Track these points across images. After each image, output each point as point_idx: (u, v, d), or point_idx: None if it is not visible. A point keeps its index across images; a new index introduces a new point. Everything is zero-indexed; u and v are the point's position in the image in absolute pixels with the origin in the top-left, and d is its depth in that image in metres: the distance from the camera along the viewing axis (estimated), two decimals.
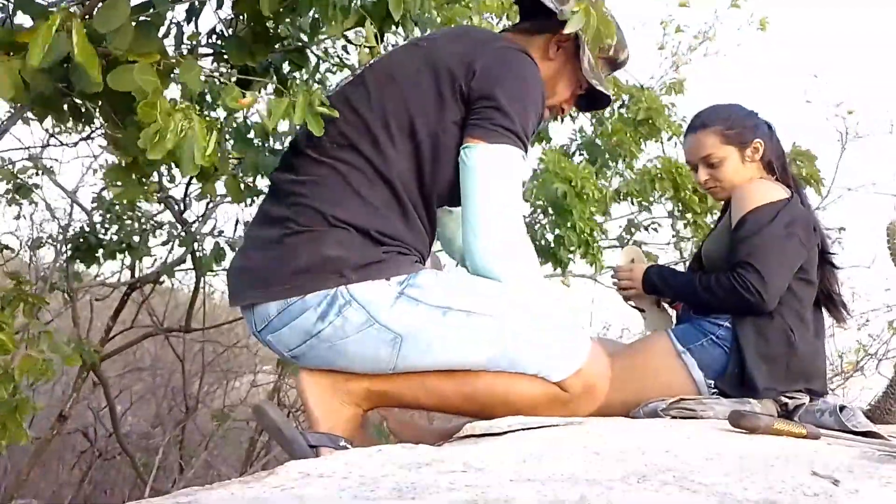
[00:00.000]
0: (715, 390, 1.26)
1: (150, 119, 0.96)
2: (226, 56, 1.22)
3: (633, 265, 1.44)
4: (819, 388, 1.27)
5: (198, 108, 1.06)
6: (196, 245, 2.44)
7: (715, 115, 1.41)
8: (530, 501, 0.50)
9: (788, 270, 1.29)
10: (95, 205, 2.48)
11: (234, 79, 1.15)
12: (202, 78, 1.08)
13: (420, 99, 0.97)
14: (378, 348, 0.92)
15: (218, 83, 1.21)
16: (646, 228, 2.88)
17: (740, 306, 1.26)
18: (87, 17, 1.01)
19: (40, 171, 2.46)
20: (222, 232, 2.56)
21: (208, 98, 1.59)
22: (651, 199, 2.65)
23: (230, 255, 2.41)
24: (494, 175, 0.95)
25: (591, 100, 1.15)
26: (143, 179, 1.37)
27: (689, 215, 2.65)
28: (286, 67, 1.35)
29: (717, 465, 0.64)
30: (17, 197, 2.47)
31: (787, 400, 1.18)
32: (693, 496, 0.54)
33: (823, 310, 1.40)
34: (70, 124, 1.97)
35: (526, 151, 0.98)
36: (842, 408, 1.09)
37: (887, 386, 1.52)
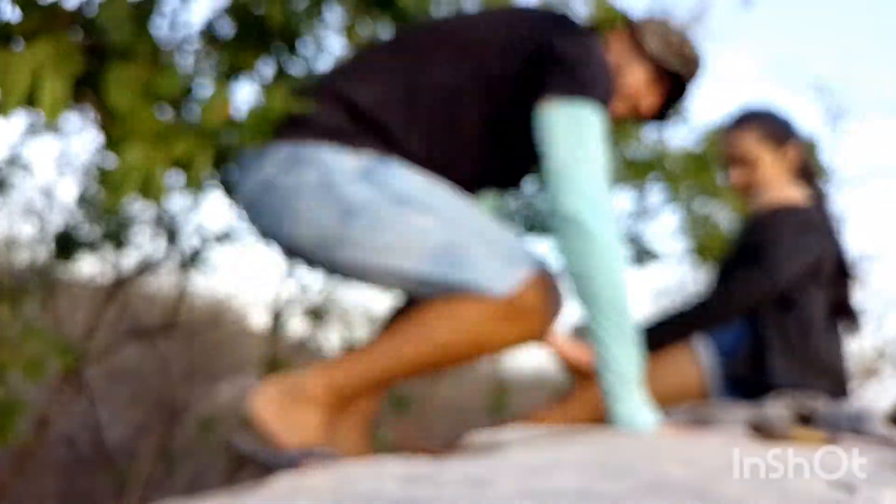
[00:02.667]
0: (723, 371, 1.25)
1: (127, 140, 0.93)
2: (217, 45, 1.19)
3: None
4: (838, 390, 1.27)
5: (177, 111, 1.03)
6: (180, 242, 2.41)
7: (754, 116, 1.43)
8: None
9: (799, 257, 1.30)
10: (79, 200, 2.43)
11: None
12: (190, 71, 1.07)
13: (488, 38, 1.00)
14: (325, 216, 0.92)
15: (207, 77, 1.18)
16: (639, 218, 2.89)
17: (750, 290, 1.27)
18: (80, 9, 0.98)
19: (13, 163, 2.41)
20: (203, 231, 2.52)
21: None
22: (641, 183, 2.65)
23: (215, 252, 2.39)
24: (570, 131, 0.95)
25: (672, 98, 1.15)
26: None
27: (678, 203, 2.67)
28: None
29: (731, 474, 0.62)
30: None
31: (803, 405, 1.17)
32: None
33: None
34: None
35: (604, 107, 0.98)
36: (859, 413, 1.08)
37: None
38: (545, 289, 0.93)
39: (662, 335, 1.29)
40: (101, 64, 0.98)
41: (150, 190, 0.92)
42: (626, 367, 0.95)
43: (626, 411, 0.94)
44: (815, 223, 1.32)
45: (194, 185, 0.96)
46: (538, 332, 0.94)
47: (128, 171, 0.91)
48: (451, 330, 0.90)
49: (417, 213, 0.91)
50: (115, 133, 0.94)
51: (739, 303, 1.26)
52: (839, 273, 1.36)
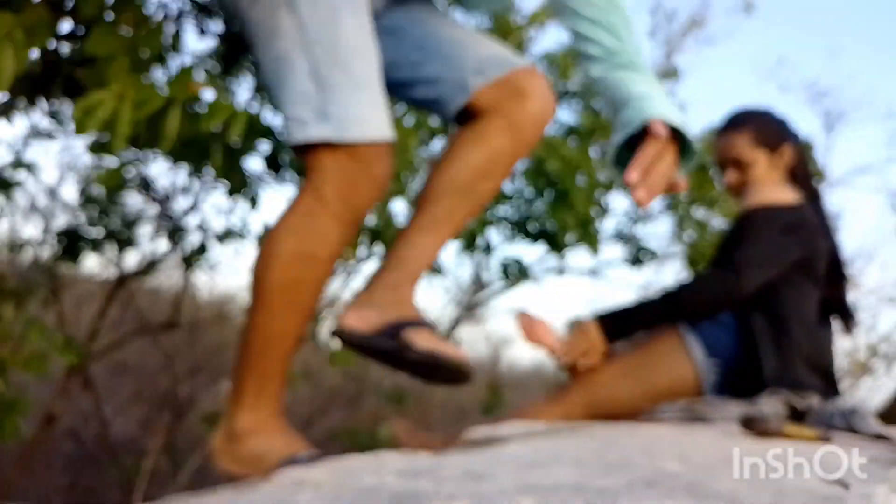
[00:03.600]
0: (717, 370, 1.26)
1: (105, 84, 0.94)
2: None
3: (575, 335, 1.32)
4: (829, 388, 1.27)
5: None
6: (182, 239, 2.42)
7: (748, 118, 1.42)
8: None
9: (775, 262, 1.28)
10: (82, 199, 2.44)
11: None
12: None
13: None
14: None
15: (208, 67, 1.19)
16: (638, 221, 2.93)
17: (717, 288, 1.26)
18: None
19: (19, 166, 2.42)
20: (207, 230, 2.53)
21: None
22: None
23: (217, 249, 2.41)
24: None
25: None
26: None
27: (677, 209, 2.70)
28: None
29: (726, 470, 0.63)
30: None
31: (796, 402, 1.17)
32: (702, 502, 0.52)
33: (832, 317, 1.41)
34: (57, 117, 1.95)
35: None
36: (852, 410, 1.08)
37: None
38: (340, 160, 0.80)
39: (629, 322, 1.29)
40: (85, 36, 0.99)
41: (116, 127, 0.91)
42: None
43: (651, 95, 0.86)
44: (802, 223, 1.30)
45: (165, 144, 0.97)
46: (341, 218, 0.82)
47: (97, 104, 0.91)
48: (266, 272, 0.82)
49: (294, 22, 0.81)
50: (90, 80, 0.95)
51: (703, 301, 1.24)
52: (834, 272, 1.36)
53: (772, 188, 1.35)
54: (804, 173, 1.42)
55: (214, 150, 1.06)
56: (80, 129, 0.93)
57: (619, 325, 1.29)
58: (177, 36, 1.14)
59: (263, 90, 1.14)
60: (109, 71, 0.92)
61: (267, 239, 0.85)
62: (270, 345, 0.84)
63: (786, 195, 1.35)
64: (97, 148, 1.04)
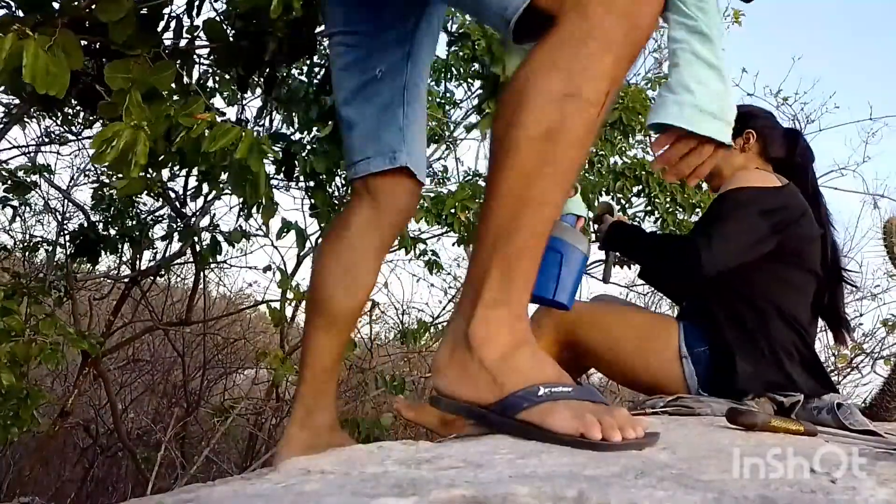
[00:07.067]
0: (705, 394, 1.24)
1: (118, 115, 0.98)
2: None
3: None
4: (814, 381, 1.26)
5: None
6: (195, 239, 2.45)
7: None
8: (529, 498, 0.50)
9: (743, 245, 1.21)
10: (94, 201, 2.48)
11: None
12: (196, 73, 1.12)
13: None
14: None
15: (214, 80, 1.22)
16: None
17: (675, 268, 1.22)
18: (88, 9, 1.02)
19: (37, 172, 2.47)
20: (218, 226, 2.57)
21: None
22: (628, 194, 2.74)
23: (226, 249, 2.45)
24: None
25: None
26: (149, 172, 1.39)
27: (657, 212, 2.74)
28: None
29: (714, 462, 0.65)
30: (13, 196, 2.48)
31: (782, 398, 1.18)
32: (690, 492, 0.54)
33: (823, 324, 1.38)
34: (79, 118, 1.99)
35: None
36: (839, 405, 1.09)
37: (884, 383, 1.51)
38: None
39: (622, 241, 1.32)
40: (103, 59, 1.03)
41: (134, 157, 0.95)
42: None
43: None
44: (783, 207, 1.24)
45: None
46: None
47: (114, 134, 0.95)
48: (521, 116, 0.68)
49: None
50: (106, 112, 0.99)
51: (662, 269, 1.24)
52: (830, 272, 1.33)
53: (748, 174, 1.31)
54: (788, 157, 1.37)
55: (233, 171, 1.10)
56: (97, 160, 0.97)
57: (620, 239, 1.33)
58: (189, 60, 1.17)
59: (281, 102, 1.16)
60: (122, 103, 0.96)
61: (517, 80, 0.66)
62: (525, 213, 0.63)
63: (765, 178, 1.29)
64: (115, 167, 1.07)
